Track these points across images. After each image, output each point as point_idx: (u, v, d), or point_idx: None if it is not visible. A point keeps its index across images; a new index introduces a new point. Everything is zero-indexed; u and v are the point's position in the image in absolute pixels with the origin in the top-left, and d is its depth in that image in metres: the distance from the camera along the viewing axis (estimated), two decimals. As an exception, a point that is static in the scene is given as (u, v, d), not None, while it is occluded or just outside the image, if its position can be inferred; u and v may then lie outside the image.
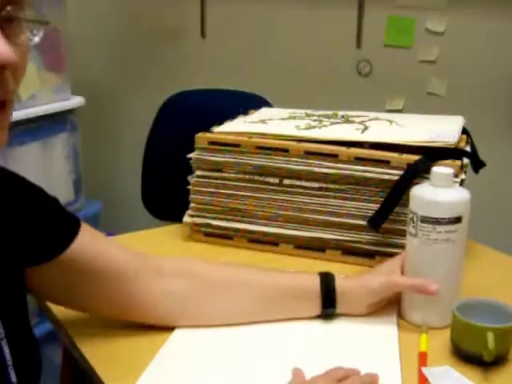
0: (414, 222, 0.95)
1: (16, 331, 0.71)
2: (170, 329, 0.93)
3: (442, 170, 0.96)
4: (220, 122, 1.27)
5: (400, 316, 0.99)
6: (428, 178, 1.07)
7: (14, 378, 0.68)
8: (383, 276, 0.98)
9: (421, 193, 0.96)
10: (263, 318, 0.96)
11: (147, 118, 1.93)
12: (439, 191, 0.94)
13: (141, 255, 0.94)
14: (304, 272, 1.01)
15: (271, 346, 0.92)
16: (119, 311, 0.92)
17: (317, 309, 0.97)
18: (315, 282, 0.96)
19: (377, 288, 0.96)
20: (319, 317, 0.97)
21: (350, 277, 1.00)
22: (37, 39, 0.64)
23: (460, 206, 0.94)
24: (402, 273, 0.99)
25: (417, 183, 1.06)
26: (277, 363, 0.87)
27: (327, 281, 0.96)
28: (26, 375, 0.71)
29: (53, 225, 0.84)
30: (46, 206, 0.84)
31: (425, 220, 0.93)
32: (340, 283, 0.96)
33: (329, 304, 0.96)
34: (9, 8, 0.59)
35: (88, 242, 0.86)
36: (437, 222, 0.93)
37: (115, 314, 0.93)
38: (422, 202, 0.95)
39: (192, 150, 1.21)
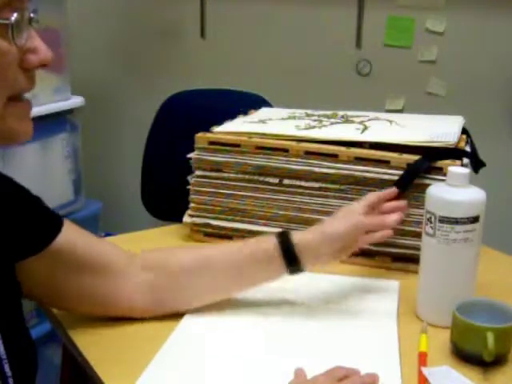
0: (431, 223, 0.94)
1: (10, 326, 0.72)
2: (170, 328, 0.94)
3: (459, 169, 0.95)
4: (220, 122, 1.27)
5: (417, 316, 0.99)
6: (428, 178, 1.07)
7: (8, 370, 0.69)
8: (348, 218, 0.96)
9: (439, 193, 0.95)
10: (237, 289, 0.98)
11: (147, 117, 1.93)
12: (457, 191, 0.93)
13: (127, 251, 0.96)
14: (264, 235, 1.00)
15: (272, 346, 0.92)
16: (103, 306, 0.93)
17: (283, 268, 0.95)
18: (273, 242, 0.94)
19: (342, 231, 0.94)
20: (313, 309, 0.96)
21: (310, 228, 0.98)
22: None
23: (478, 206, 0.94)
24: (367, 214, 0.98)
25: (418, 183, 1.07)
26: (278, 363, 0.87)
27: (284, 238, 0.94)
28: (21, 369, 0.72)
29: (37, 220, 0.86)
30: (30, 203, 0.86)
31: (444, 220, 0.93)
32: (299, 236, 0.94)
33: (292, 261, 0.94)
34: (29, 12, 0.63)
35: (73, 236, 0.89)
36: (456, 222, 0.92)
37: (98, 310, 0.94)
38: (440, 202, 0.94)
39: (192, 149, 1.21)
